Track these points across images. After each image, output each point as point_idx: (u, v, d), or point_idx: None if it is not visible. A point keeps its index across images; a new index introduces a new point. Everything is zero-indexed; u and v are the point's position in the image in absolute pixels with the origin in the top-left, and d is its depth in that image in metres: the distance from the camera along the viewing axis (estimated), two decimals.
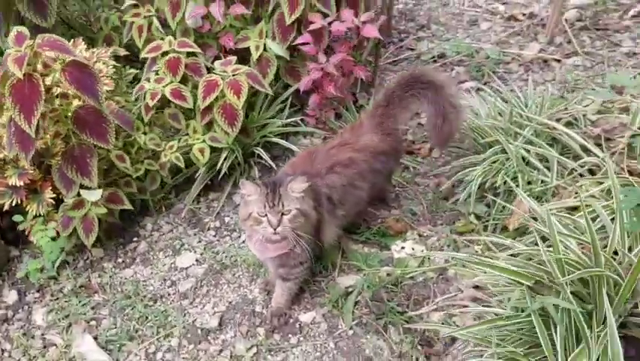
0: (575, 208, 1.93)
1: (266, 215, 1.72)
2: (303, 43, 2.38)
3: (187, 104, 2.29)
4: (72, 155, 2.01)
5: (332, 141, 2.10)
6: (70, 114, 1.96)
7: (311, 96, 2.50)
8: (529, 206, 1.90)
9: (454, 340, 1.87)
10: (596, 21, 3.62)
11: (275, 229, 1.72)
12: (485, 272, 1.61)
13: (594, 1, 3.73)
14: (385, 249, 2.23)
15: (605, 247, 1.58)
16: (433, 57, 3.39)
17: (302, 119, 2.67)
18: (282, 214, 1.72)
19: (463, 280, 2.05)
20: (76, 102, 1.99)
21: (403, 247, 2.19)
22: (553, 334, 1.48)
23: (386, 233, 2.29)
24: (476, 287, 2.01)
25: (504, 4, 3.96)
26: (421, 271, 2.12)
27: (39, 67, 1.84)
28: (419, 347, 1.88)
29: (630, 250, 1.56)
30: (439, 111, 2.10)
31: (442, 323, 1.91)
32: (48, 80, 1.87)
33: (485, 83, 3.07)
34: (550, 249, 1.53)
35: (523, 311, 1.54)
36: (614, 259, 1.54)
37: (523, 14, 3.77)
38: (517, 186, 2.12)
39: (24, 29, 1.81)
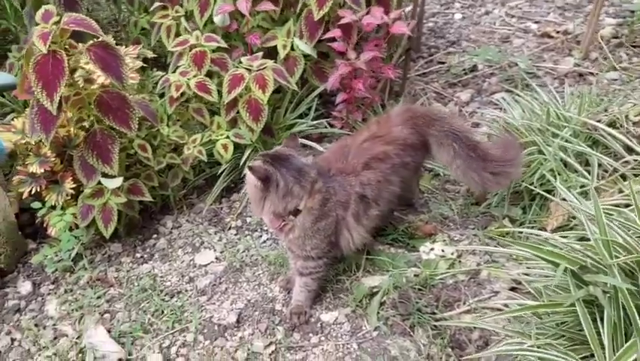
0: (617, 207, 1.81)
1: None
2: (332, 40, 2.33)
3: (212, 98, 2.24)
4: (94, 141, 1.96)
5: (361, 134, 1.98)
6: (93, 98, 1.92)
7: (338, 95, 2.42)
8: (570, 202, 1.78)
9: (487, 343, 1.74)
10: (633, 38, 3.52)
11: None
12: (521, 250, 1.49)
13: (630, 20, 3.65)
14: (413, 251, 2.11)
15: None
16: (464, 70, 3.31)
17: (328, 122, 2.60)
18: None
19: (497, 282, 1.92)
20: (100, 86, 1.96)
21: (432, 249, 2.07)
22: (600, 327, 1.35)
23: (414, 235, 2.17)
24: (512, 289, 1.88)
25: (537, 22, 3.89)
26: (450, 274, 1.99)
27: (64, 47, 1.82)
28: (449, 350, 1.74)
29: None
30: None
31: (474, 327, 1.78)
32: (72, 62, 1.85)
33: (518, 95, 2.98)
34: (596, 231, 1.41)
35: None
36: None
37: (557, 31, 3.69)
38: (555, 187, 2.00)
39: (52, 7, 1.79)
